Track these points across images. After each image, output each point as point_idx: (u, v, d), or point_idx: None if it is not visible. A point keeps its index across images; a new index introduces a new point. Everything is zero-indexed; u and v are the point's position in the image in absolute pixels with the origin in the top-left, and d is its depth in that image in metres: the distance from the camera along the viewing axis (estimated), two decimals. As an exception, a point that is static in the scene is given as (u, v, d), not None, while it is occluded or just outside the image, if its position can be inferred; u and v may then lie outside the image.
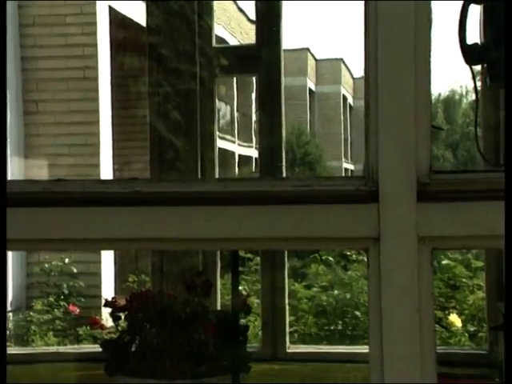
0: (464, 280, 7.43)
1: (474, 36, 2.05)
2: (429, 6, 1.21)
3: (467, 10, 2.01)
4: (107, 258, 9.27)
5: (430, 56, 1.23)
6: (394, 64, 1.21)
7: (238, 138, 18.73)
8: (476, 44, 2.06)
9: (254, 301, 5.83)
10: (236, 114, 18.94)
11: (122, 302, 2.58)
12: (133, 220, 1.29)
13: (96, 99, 9.13)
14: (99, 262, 9.08)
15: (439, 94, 32.81)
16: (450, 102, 33.06)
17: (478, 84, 2.59)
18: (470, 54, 2.05)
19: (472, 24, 2.03)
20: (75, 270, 8.85)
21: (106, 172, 9.38)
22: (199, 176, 3.64)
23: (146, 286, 7.31)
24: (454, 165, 28.14)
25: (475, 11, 2.03)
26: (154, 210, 1.29)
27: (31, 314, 8.28)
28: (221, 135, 14.35)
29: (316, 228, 1.25)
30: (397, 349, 1.20)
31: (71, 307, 8.39)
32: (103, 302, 2.66)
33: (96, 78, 9.13)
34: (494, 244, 1.18)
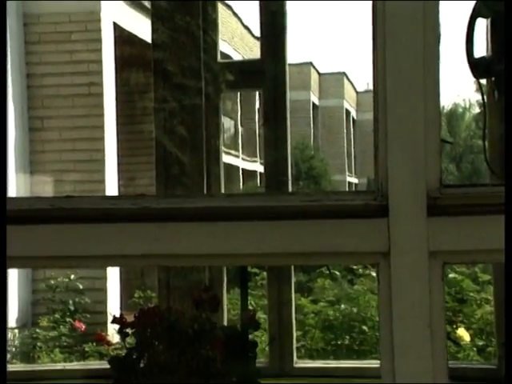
0: (471, 294, 7.39)
1: (480, 50, 2.05)
2: (437, 20, 1.21)
3: (474, 24, 2.02)
4: (113, 273, 9.26)
5: (438, 70, 1.23)
6: (403, 78, 1.21)
7: (242, 153, 18.75)
8: (483, 57, 2.07)
9: (261, 316, 5.81)
10: (240, 128, 18.97)
11: (129, 318, 2.57)
12: (141, 236, 1.29)
13: (101, 115, 9.16)
14: (105, 278, 9.07)
15: (442, 108, 32.88)
16: (453, 116, 33.12)
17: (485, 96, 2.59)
18: (477, 67, 2.05)
19: (479, 38, 2.03)
20: (81, 286, 8.85)
21: (112, 188, 9.39)
22: (205, 191, 3.63)
23: (152, 302, 7.30)
24: (458, 178, 28.13)
25: (482, 25, 2.04)
26: (162, 226, 1.29)
27: (37, 330, 8.27)
28: (225, 150, 14.38)
29: (325, 243, 1.25)
30: (409, 364, 1.20)
31: (77, 324, 8.38)
32: (111, 318, 2.65)
33: (101, 94, 9.16)
34: (503, 258, 1.18)
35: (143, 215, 1.29)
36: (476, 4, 2.03)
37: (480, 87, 2.13)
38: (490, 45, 2.03)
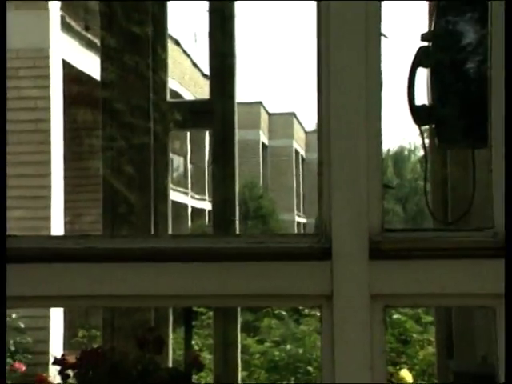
0: (415, 335, 7.48)
1: (422, 98, 2.12)
2: (379, 68, 1.25)
3: (415, 73, 2.09)
4: (56, 312, 9.08)
5: (380, 117, 1.26)
6: (346, 124, 1.24)
7: (192, 190, 18.73)
8: (424, 105, 2.14)
9: (206, 356, 5.75)
10: (189, 165, 18.98)
11: (71, 359, 2.52)
12: (85, 277, 1.28)
13: (48, 152, 9.07)
14: (48, 316, 8.88)
15: (388, 150, 33.53)
16: (399, 158, 33.81)
17: (426, 141, 2.66)
18: (419, 114, 2.12)
19: (420, 86, 2.11)
20: (22, 325, 8.64)
21: (57, 225, 9.26)
22: (152, 230, 3.62)
23: (96, 341, 7.17)
24: (404, 219, 28.55)
25: (422, 74, 2.11)
26: (106, 266, 1.28)
27: (-25, 371, 8.02)
28: (174, 188, 14.35)
29: (269, 285, 1.26)
30: (350, 407, 1.20)
31: (17, 365, 8.16)
32: (52, 359, 2.60)
33: (48, 131, 9.08)
34: (444, 302, 1.20)
35: (87, 255, 1.28)
36: (417, 53, 2.11)
37: (421, 133, 2.20)
38: (430, 93, 2.10)
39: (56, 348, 8.59)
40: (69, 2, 10.15)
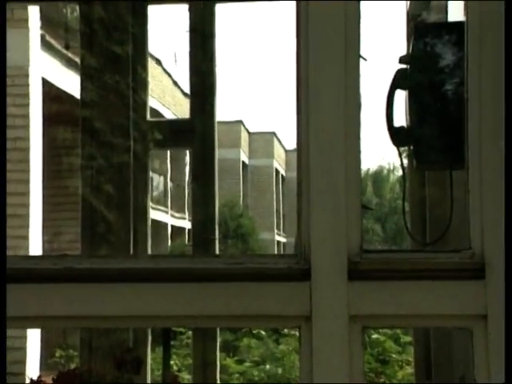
0: (393, 355, 7.48)
1: (400, 119, 2.15)
2: (357, 92, 1.26)
3: (393, 95, 2.12)
4: (33, 332, 8.98)
5: (359, 137, 1.27)
6: (326, 145, 1.25)
7: (172, 209, 18.68)
8: (402, 127, 2.16)
9: (185, 376, 5.71)
10: (169, 184, 18.94)
11: (48, 380, 2.49)
12: (62, 297, 1.27)
13: (27, 170, 9.01)
14: (25, 337, 8.78)
15: (368, 170, 33.69)
16: (379, 178, 33.98)
17: (405, 161, 2.68)
18: (397, 135, 2.15)
19: (398, 107, 2.13)
20: (-1, 346, 8.53)
21: (36, 244, 9.18)
22: (131, 249, 3.60)
23: (74, 362, 7.09)
24: (383, 238, 28.66)
25: (401, 96, 2.14)
26: (84, 286, 1.27)
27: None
28: (154, 206, 14.30)
29: (248, 306, 1.25)
30: (329, 428, 1.20)
31: (-7, 385, 8.04)
32: (28, 381, 2.57)
33: (27, 149, 9.02)
34: (422, 323, 1.21)
35: (65, 276, 1.27)
36: (395, 75, 2.14)
37: (399, 154, 2.22)
38: (408, 114, 2.12)
39: (33, 369, 8.48)
40: (49, 20, 10.15)
